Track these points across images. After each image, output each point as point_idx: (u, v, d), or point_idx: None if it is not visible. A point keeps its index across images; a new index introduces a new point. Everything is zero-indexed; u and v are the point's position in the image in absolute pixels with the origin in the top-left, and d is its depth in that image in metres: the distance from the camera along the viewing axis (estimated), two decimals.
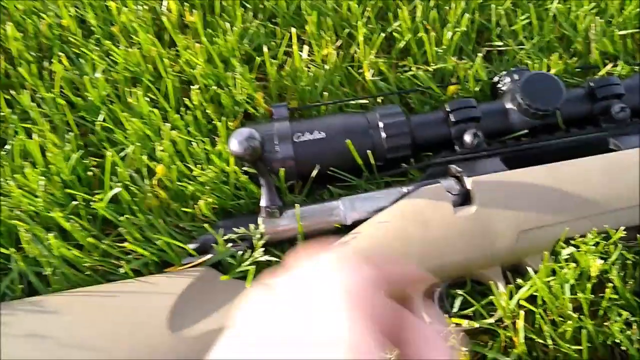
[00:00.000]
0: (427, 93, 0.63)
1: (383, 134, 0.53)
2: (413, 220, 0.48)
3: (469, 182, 0.49)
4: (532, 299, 0.48)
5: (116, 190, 0.52)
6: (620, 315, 0.46)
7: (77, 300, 0.48)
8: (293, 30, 0.65)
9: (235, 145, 0.47)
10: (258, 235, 0.49)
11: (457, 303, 0.49)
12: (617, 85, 0.56)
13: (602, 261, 0.47)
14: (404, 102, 0.64)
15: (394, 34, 0.67)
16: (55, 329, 0.45)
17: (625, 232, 0.48)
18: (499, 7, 0.69)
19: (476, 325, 0.47)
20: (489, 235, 0.48)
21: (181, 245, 0.51)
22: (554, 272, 0.47)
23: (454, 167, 0.52)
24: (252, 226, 0.50)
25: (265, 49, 0.63)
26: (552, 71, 0.63)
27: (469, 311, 0.49)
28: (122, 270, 0.51)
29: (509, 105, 0.55)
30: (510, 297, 0.47)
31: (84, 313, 0.46)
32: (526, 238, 0.48)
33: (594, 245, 0.47)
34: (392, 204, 0.49)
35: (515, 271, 0.50)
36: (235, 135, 0.48)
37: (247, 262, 0.49)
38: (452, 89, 0.62)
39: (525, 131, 0.55)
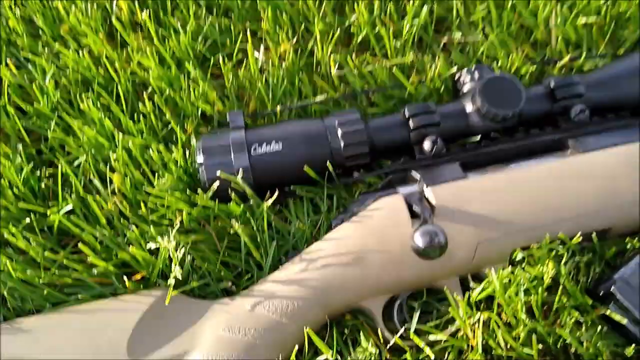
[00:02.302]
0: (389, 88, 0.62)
1: (342, 143, 0.52)
2: (370, 236, 0.48)
3: (428, 192, 0.49)
4: (488, 304, 0.49)
5: (68, 207, 0.52)
6: (571, 316, 0.48)
7: (39, 324, 0.47)
8: (249, 31, 0.63)
9: (420, 241, 0.46)
10: None
11: (416, 315, 0.50)
12: (577, 84, 0.56)
13: (555, 264, 0.47)
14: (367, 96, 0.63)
15: (352, 28, 0.66)
16: (17, 354, 0.45)
17: (581, 238, 0.48)
18: None
19: (437, 337, 0.48)
20: (448, 249, 0.47)
21: (145, 254, 0.50)
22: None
23: (413, 174, 0.52)
24: None
25: (220, 54, 0.61)
26: (514, 66, 0.62)
27: (430, 324, 0.49)
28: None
29: (469, 108, 0.55)
30: (468, 303, 0.48)
31: (45, 338, 0.46)
32: (484, 249, 0.48)
33: (547, 250, 0.48)
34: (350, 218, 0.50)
35: (474, 277, 0.50)
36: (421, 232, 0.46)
37: None
38: (411, 87, 0.62)
39: (480, 136, 0.55)
